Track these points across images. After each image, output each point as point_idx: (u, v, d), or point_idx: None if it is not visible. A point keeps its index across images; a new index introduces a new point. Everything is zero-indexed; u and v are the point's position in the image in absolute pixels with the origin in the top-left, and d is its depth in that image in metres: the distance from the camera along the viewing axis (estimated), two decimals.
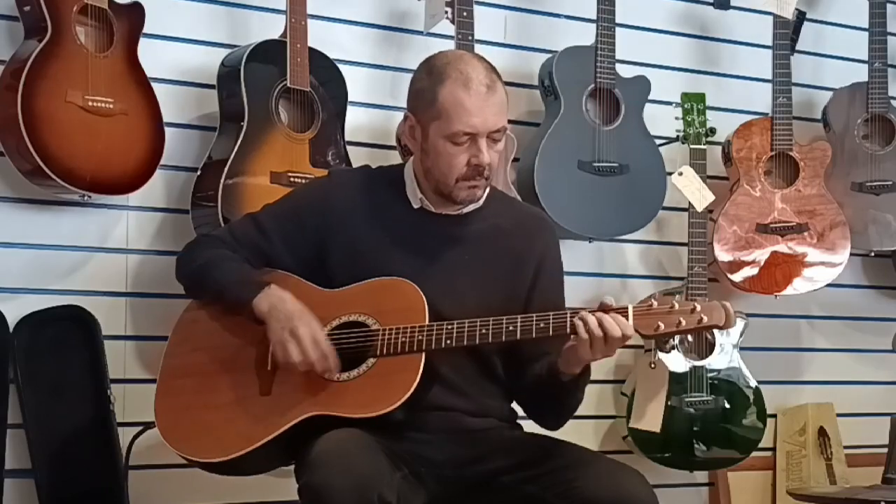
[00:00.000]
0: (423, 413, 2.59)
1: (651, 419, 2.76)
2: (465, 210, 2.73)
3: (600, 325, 2.47)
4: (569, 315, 2.51)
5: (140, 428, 3.10)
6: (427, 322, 2.57)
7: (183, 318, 2.79)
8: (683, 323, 2.47)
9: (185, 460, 2.65)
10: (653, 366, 2.71)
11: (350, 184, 2.78)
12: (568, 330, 2.50)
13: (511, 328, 2.54)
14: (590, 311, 2.50)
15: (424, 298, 2.59)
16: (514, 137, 3.69)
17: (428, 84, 2.65)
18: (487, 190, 2.73)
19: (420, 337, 2.56)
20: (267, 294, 2.62)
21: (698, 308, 2.47)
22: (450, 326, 2.55)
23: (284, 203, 2.83)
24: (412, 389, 2.52)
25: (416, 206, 2.73)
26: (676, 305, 2.48)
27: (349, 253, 2.70)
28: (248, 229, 2.78)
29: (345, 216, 2.72)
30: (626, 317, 2.48)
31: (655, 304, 2.49)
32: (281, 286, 2.66)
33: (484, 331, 2.55)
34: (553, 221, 3.59)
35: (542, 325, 2.52)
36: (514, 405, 2.83)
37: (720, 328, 2.51)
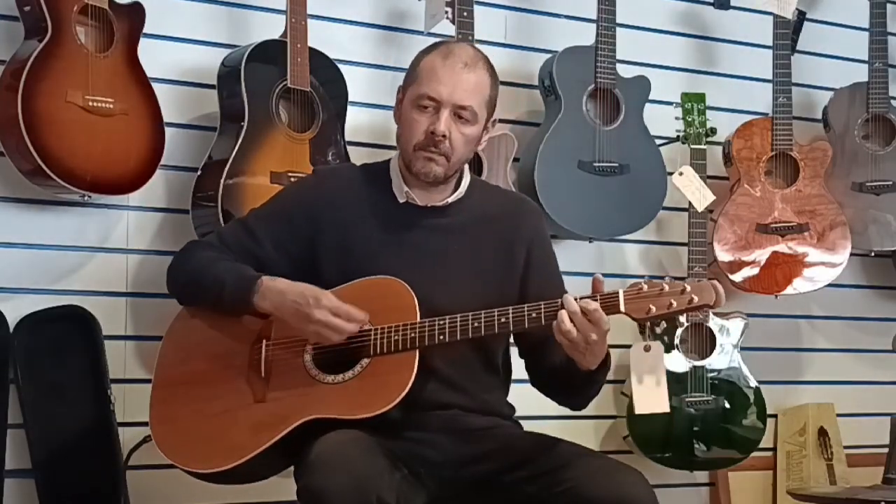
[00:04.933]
0: (421, 412, 2.60)
1: (658, 401, 2.78)
2: (450, 200, 2.74)
3: (579, 306, 2.46)
4: (560, 304, 2.50)
5: (140, 440, 3.10)
6: (419, 319, 2.57)
7: (174, 327, 2.78)
8: (674, 304, 2.47)
9: (182, 471, 2.64)
10: (647, 349, 2.73)
11: (336, 182, 2.79)
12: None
13: (503, 320, 2.54)
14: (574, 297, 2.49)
15: (415, 296, 2.59)
16: (515, 137, 3.70)
17: (418, 56, 2.72)
18: (447, 169, 2.68)
19: (413, 334, 2.56)
20: (263, 292, 2.61)
21: (688, 288, 2.47)
22: (442, 322, 2.55)
23: (272, 205, 2.83)
24: (408, 388, 2.52)
25: (401, 201, 2.74)
26: (666, 287, 2.47)
27: (339, 251, 2.70)
28: (237, 234, 2.77)
29: (332, 214, 2.73)
30: (618, 302, 2.48)
31: (645, 287, 2.48)
32: None
33: (476, 324, 2.55)
34: (553, 221, 3.62)
35: (533, 315, 2.53)
36: (514, 397, 2.83)
37: (710, 307, 2.51)
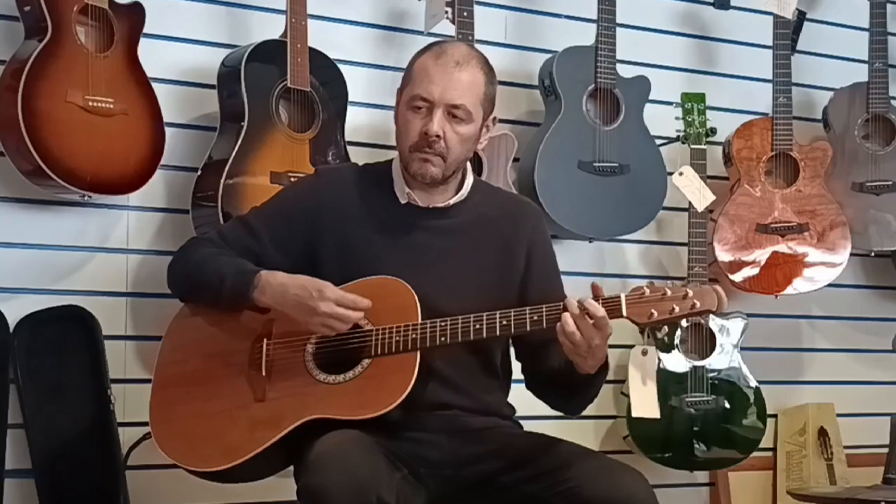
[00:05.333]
0: (421, 412, 2.59)
1: (650, 406, 2.79)
2: (452, 201, 2.74)
3: (583, 310, 2.46)
4: (562, 306, 2.50)
5: (139, 437, 3.10)
6: (420, 319, 2.57)
7: (173, 326, 2.78)
8: (676, 309, 2.46)
9: (184, 470, 2.64)
10: (645, 353, 2.74)
11: (338, 182, 2.78)
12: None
13: (504, 322, 2.54)
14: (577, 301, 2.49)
15: (416, 296, 2.59)
16: (515, 137, 3.69)
17: (413, 58, 2.72)
18: (444, 170, 2.67)
19: (414, 335, 2.56)
20: (262, 286, 2.61)
21: (690, 293, 2.47)
22: (443, 324, 2.55)
23: (273, 204, 2.82)
24: (408, 389, 2.51)
25: (403, 202, 2.73)
26: (668, 292, 2.47)
27: (339, 251, 2.70)
28: (238, 232, 2.77)
29: (334, 214, 2.72)
30: (619, 306, 2.48)
31: (647, 291, 2.48)
32: None
33: (478, 326, 2.54)
34: (553, 221, 3.62)
35: (535, 317, 2.52)
36: (513, 397, 2.83)
37: (713, 312, 2.51)
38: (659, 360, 3.79)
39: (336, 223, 2.72)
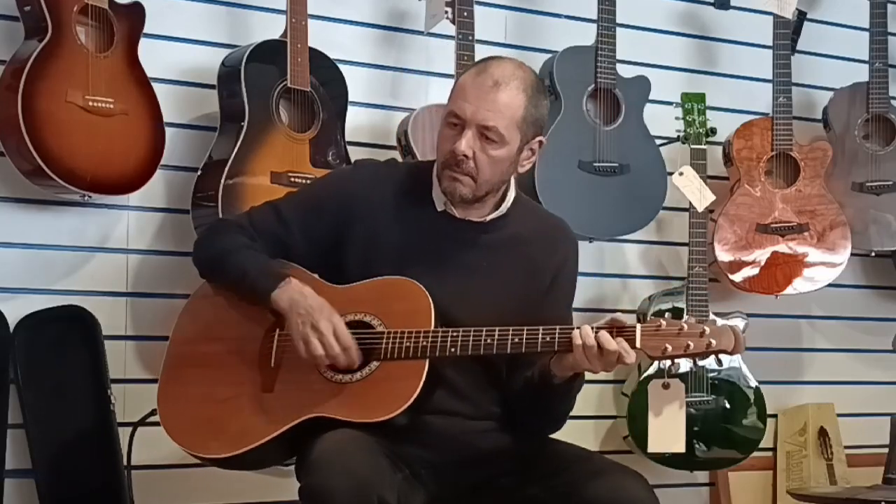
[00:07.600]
0: (425, 416, 2.58)
1: (674, 440, 2.73)
2: (489, 217, 2.69)
3: (599, 345, 2.44)
4: (576, 332, 2.47)
5: (143, 415, 3.08)
6: (433, 325, 2.54)
7: (192, 305, 2.77)
8: (692, 346, 2.42)
9: (185, 452, 2.64)
10: (666, 386, 2.68)
11: (375, 177, 2.74)
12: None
13: (517, 340, 2.50)
14: (595, 328, 2.47)
15: (431, 301, 2.56)
16: None
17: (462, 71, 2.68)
18: (474, 189, 2.61)
19: (425, 343, 2.53)
20: (287, 288, 2.59)
21: (707, 331, 2.42)
22: (455, 334, 2.52)
23: (306, 192, 2.81)
24: (413, 398, 2.50)
25: (439, 209, 2.69)
26: (685, 327, 2.43)
27: (367, 248, 2.66)
28: (267, 217, 2.73)
29: (366, 210, 2.68)
30: (634, 337, 2.44)
31: (664, 325, 2.45)
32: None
33: (489, 341, 2.51)
34: None
35: (548, 338, 2.49)
36: None
37: (729, 353, 2.46)
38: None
39: (367, 218, 2.67)
